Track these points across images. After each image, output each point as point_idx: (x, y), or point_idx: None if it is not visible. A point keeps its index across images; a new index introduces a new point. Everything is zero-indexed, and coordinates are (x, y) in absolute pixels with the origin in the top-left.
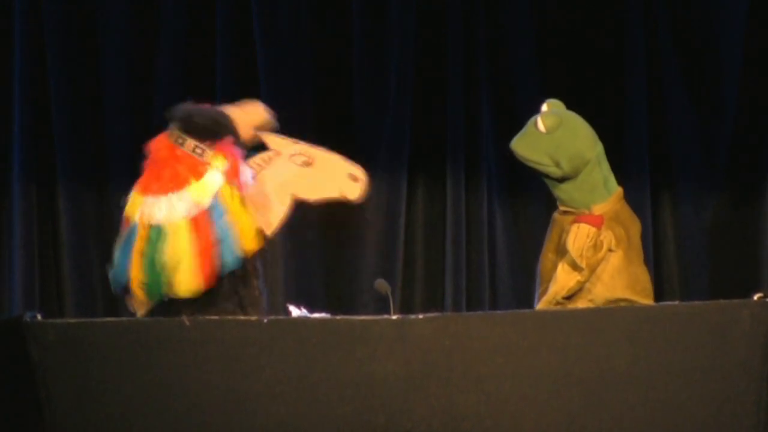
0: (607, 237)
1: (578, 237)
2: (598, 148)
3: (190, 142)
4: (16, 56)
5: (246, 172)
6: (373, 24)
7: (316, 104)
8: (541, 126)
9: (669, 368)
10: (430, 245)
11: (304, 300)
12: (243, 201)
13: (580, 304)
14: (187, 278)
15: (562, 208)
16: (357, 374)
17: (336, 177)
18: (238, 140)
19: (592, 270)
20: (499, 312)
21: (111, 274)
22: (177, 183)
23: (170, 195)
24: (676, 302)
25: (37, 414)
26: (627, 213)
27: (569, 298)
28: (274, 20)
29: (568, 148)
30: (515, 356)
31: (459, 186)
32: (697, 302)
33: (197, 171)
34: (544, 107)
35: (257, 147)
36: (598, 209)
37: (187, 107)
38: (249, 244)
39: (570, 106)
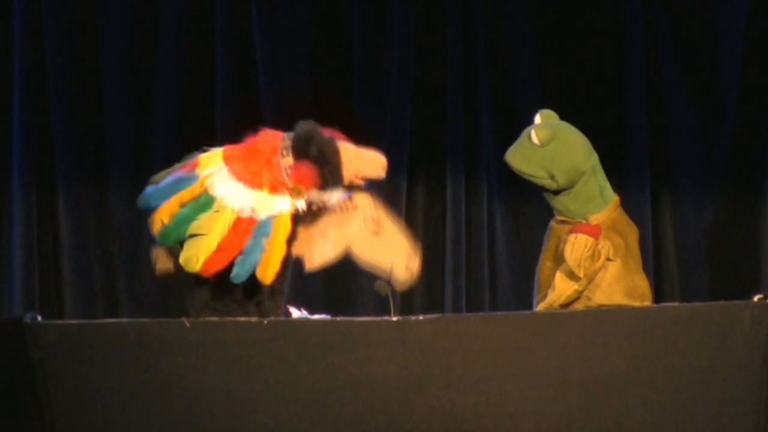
0: (605, 247)
1: (576, 247)
2: (593, 158)
3: (289, 160)
4: (16, 56)
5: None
6: (373, 24)
7: (316, 104)
8: (534, 138)
9: (669, 370)
10: (430, 246)
11: (303, 301)
12: (289, 237)
13: None
14: (193, 254)
15: (559, 218)
16: (357, 375)
17: (393, 252)
18: (337, 182)
19: (590, 279)
20: (499, 313)
21: (147, 192)
22: (253, 181)
23: (240, 184)
24: (676, 303)
25: (36, 416)
26: (624, 221)
27: (567, 306)
28: (274, 20)
29: (562, 160)
30: (515, 357)
31: (459, 186)
32: (697, 303)
33: (275, 186)
34: (538, 118)
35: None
36: (595, 219)
37: (315, 130)
38: (267, 273)
39: (570, 107)
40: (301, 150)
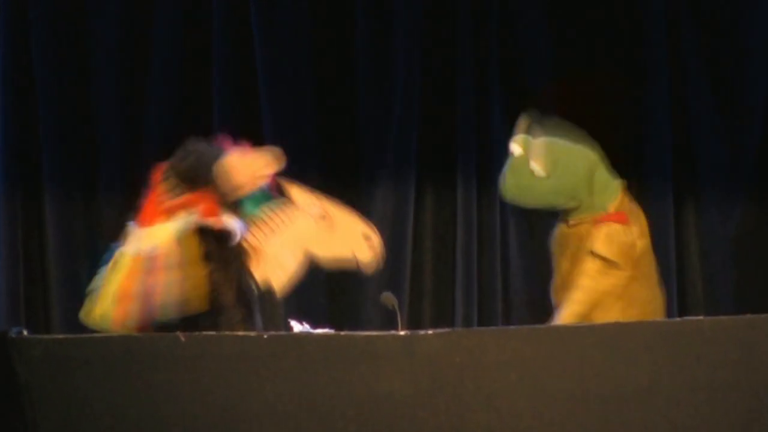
0: (635, 231)
1: (615, 237)
2: (593, 156)
3: (172, 182)
4: (0, 60)
5: (231, 222)
6: (379, 24)
7: (319, 107)
8: (538, 170)
9: (692, 385)
10: (440, 255)
11: (305, 314)
12: (206, 251)
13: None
14: (102, 312)
15: (572, 221)
16: (362, 392)
17: (350, 237)
18: (223, 191)
19: (635, 266)
20: (512, 327)
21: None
22: (147, 219)
23: (140, 229)
24: (701, 317)
25: None
26: (635, 207)
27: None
28: (274, 21)
29: (568, 184)
30: (529, 373)
31: (470, 192)
32: (722, 317)
33: (167, 213)
34: (519, 139)
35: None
36: (614, 207)
37: (192, 146)
38: (192, 301)
39: (589, 112)
40: (177, 166)
